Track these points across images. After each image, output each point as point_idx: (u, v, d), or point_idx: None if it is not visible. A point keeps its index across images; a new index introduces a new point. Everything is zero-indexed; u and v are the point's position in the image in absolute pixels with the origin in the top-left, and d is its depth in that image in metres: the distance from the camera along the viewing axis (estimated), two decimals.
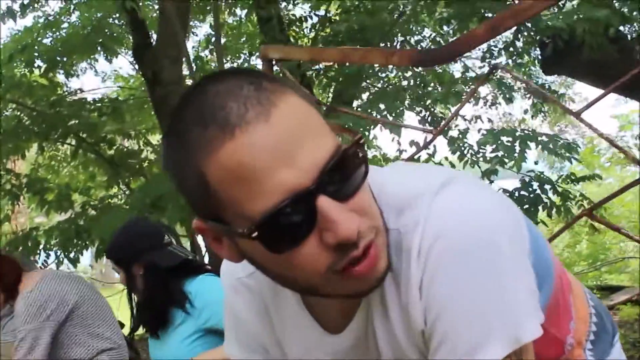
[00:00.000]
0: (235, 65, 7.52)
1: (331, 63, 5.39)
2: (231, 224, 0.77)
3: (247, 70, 0.80)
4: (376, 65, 4.95)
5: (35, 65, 6.00)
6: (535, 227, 1.03)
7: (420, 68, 5.04)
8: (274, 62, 2.42)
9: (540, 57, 5.85)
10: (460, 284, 0.81)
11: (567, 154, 4.12)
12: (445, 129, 4.23)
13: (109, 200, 5.41)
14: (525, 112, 8.02)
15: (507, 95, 5.40)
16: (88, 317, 2.92)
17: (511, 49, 5.50)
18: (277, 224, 0.74)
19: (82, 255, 4.60)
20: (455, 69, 6.60)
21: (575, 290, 1.17)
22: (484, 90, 6.88)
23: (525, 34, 5.37)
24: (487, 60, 5.81)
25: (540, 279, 0.95)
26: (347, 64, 4.87)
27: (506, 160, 4.08)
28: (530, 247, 0.93)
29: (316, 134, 0.76)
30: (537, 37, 5.37)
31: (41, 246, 4.38)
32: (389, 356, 0.96)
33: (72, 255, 4.46)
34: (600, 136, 1.31)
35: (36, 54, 5.97)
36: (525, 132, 4.12)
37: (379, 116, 4.32)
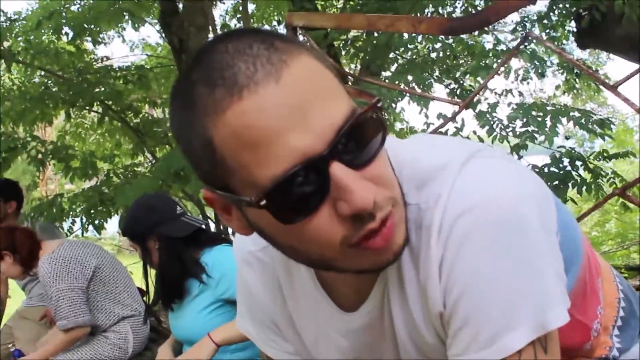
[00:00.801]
0: None
1: (358, 33, 5.32)
2: (239, 192, 0.73)
3: (260, 29, 0.74)
4: (405, 35, 4.86)
5: (63, 32, 5.99)
6: (563, 205, 0.98)
7: (450, 39, 4.93)
8: (299, 30, 2.37)
9: (575, 29, 5.69)
10: (485, 264, 0.76)
11: (600, 131, 4.01)
12: (474, 102, 4.14)
13: (134, 168, 5.42)
14: (557, 87, 7.81)
15: (540, 70, 5.27)
16: (109, 282, 2.97)
17: (545, 20, 5.35)
18: (287, 192, 0.69)
19: (106, 222, 4.63)
20: (487, 41, 6.48)
21: (604, 274, 1.12)
22: (516, 64, 6.72)
23: (561, 5, 5.22)
24: (519, 32, 5.67)
25: (568, 261, 0.90)
26: (375, 34, 4.80)
27: (536, 136, 3.98)
28: (558, 226, 0.87)
29: (331, 97, 0.70)
30: (573, 9, 5.21)
31: (67, 213, 4.43)
32: (405, 338, 0.92)
33: (96, 222, 4.50)
34: (638, 111, 1.24)
35: (64, 21, 5.96)
36: (557, 106, 4.01)
37: (406, 88, 4.24)
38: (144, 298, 2.77)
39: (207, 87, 0.69)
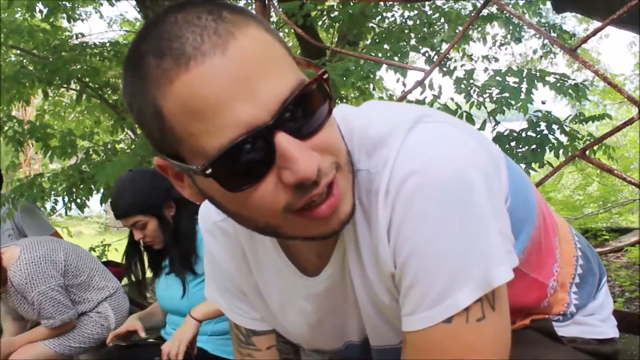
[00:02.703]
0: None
1: (332, 3, 5.29)
2: (188, 160, 0.74)
3: (211, 1, 0.75)
4: (381, 4, 4.85)
5: (37, 10, 5.90)
6: (517, 168, 1.00)
7: (426, 7, 4.92)
8: (272, 1, 2.35)
9: None
10: (430, 226, 0.78)
11: (576, 94, 4.02)
12: (451, 69, 4.15)
13: (115, 145, 5.38)
14: (535, 52, 7.83)
15: (516, 35, 5.27)
16: (79, 271, 2.94)
17: None
18: (232, 161, 0.70)
19: (88, 200, 4.60)
20: (463, 8, 6.45)
21: (561, 233, 1.14)
22: (496, 30, 6.72)
23: None
24: None
25: (520, 222, 0.93)
26: (351, 3, 4.78)
27: (512, 102, 3.99)
28: (510, 189, 0.90)
29: (278, 68, 0.72)
30: None
31: (48, 192, 4.38)
32: (364, 299, 0.95)
33: (78, 200, 4.47)
34: (595, 73, 1.25)
35: None
36: (532, 72, 4.00)
37: (383, 58, 4.23)
38: (132, 274, 2.72)
39: (155, 57, 0.71)
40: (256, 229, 0.82)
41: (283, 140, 0.70)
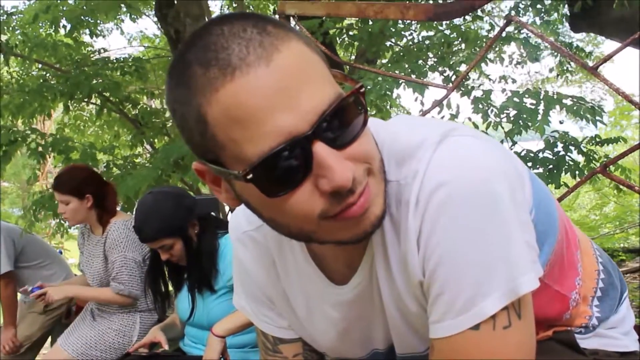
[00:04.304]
0: None
1: (353, 21, 5.33)
2: (228, 166, 0.78)
3: (254, 14, 0.79)
4: (399, 23, 4.89)
5: (61, 25, 6.00)
6: (540, 183, 1.02)
7: (443, 26, 4.96)
8: (292, 19, 2.40)
9: (568, 13, 5.70)
10: (459, 235, 0.81)
11: (592, 118, 4.03)
12: (469, 89, 4.17)
13: (134, 159, 5.44)
14: (551, 70, 7.85)
15: (533, 54, 5.28)
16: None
17: (538, 5, 5.35)
18: (272, 168, 0.74)
19: None
20: (482, 28, 6.49)
21: (583, 246, 1.16)
22: (513, 49, 6.73)
23: None
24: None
25: (543, 235, 0.95)
26: (370, 22, 4.82)
27: (529, 124, 4.00)
28: (534, 202, 0.92)
29: (317, 81, 0.75)
30: None
31: None
32: (391, 307, 0.97)
33: None
34: (616, 91, 1.28)
35: (61, 14, 5.97)
36: (549, 94, 4.01)
37: (399, 74, 4.26)
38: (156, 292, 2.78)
39: (202, 67, 0.74)
40: (289, 234, 0.85)
41: (321, 149, 0.73)
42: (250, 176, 0.75)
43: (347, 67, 5.08)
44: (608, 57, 1.31)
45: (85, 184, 3.01)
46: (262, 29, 0.75)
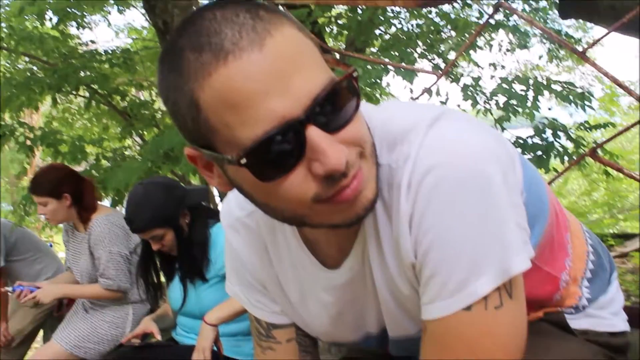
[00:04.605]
0: None
1: (342, 10, 5.32)
2: (221, 150, 0.78)
3: (246, 0, 0.79)
4: (388, 11, 4.88)
5: (47, 17, 5.95)
6: (531, 165, 1.03)
7: (433, 14, 4.96)
8: (280, 7, 2.39)
9: (557, 1, 5.69)
10: (450, 217, 0.81)
11: (581, 103, 4.05)
12: (458, 76, 4.18)
13: (123, 151, 5.41)
14: (540, 57, 7.86)
15: (523, 42, 5.29)
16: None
17: None
18: (265, 152, 0.74)
19: None
20: (471, 15, 6.48)
21: (573, 229, 1.17)
22: (502, 36, 6.74)
23: None
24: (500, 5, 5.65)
25: (533, 217, 0.96)
26: (359, 10, 4.82)
27: (519, 110, 4.02)
28: (524, 184, 0.93)
29: (310, 66, 0.76)
30: None
31: None
32: (384, 290, 0.98)
33: None
34: (605, 74, 1.29)
35: (47, 6, 5.91)
36: (539, 80, 4.03)
37: (389, 61, 4.26)
38: (148, 282, 2.78)
39: (194, 52, 0.74)
40: (282, 218, 0.86)
41: (314, 133, 0.74)
42: (243, 160, 0.75)
43: (337, 54, 5.07)
44: (596, 42, 1.32)
45: (61, 184, 3.01)
46: (255, 14, 0.75)
